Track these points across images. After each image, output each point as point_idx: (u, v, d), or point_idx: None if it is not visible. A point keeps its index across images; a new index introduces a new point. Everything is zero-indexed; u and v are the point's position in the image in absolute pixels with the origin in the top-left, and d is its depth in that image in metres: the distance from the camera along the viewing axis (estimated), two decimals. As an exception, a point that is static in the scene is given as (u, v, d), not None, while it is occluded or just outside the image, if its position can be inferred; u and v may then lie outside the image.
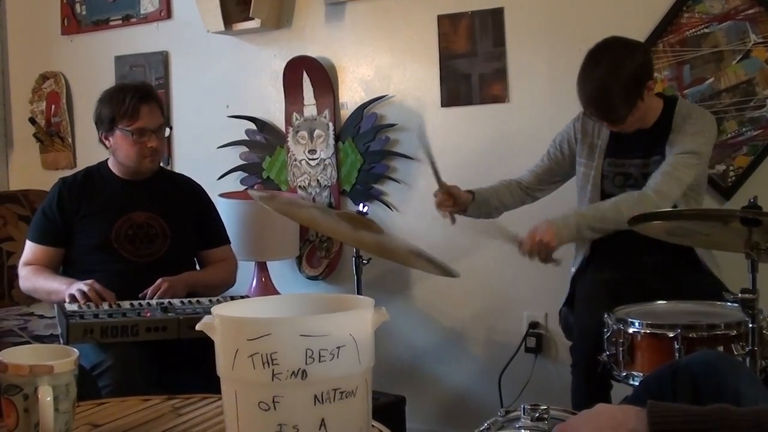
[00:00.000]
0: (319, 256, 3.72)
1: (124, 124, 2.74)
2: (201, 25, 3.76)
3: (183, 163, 3.99)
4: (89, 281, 2.58)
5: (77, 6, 4.30)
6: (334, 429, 1.26)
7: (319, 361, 1.24)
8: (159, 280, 2.65)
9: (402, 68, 3.50)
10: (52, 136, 4.37)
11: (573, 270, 2.79)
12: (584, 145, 2.75)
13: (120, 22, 4.17)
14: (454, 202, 2.74)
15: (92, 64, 4.26)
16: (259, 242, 3.49)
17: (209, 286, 2.83)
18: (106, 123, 2.78)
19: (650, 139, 2.63)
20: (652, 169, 2.60)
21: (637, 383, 2.09)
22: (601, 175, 2.70)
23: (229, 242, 3.04)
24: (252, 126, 3.83)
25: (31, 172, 4.42)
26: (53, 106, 4.38)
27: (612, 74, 2.47)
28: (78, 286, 2.57)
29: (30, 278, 2.77)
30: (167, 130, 2.90)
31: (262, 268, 3.60)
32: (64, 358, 1.46)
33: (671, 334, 2.10)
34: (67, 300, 2.56)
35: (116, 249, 2.75)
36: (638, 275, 2.63)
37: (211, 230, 2.99)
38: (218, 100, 3.91)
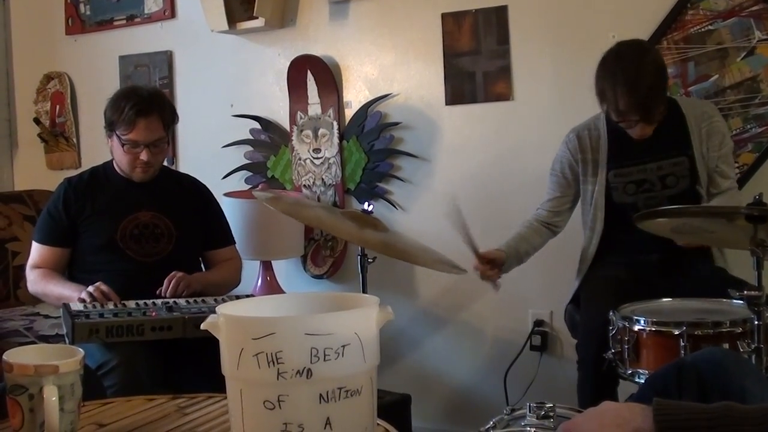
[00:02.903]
0: (324, 255, 3.72)
1: (120, 132, 2.74)
2: (205, 24, 3.76)
3: (187, 163, 3.99)
4: (96, 284, 2.59)
5: (81, 6, 4.30)
6: (340, 428, 1.26)
7: (324, 359, 1.24)
8: (174, 273, 2.65)
9: (406, 67, 3.50)
10: (57, 136, 4.37)
11: (580, 269, 2.79)
12: (586, 163, 2.72)
13: (124, 21, 4.17)
14: (494, 266, 2.65)
15: (96, 64, 4.26)
16: (264, 241, 3.49)
17: (216, 287, 2.83)
18: (107, 125, 2.79)
19: (663, 140, 2.61)
20: (670, 171, 2.60)
21: (642, 381, 2.08)
22: (608, 187, 2.68)
23: (234, 242, 3.05)
24: (256, 125, 3.83)
25: (35, 173, 4.42)
26: (58, 106, 4.38)
27: (641, 70, 2.46)
28: (86, 292, 2.58)
29: (39, 282, 2.77)
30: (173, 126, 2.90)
31: (266, 267, 3.60)
32: (69, 358, 1.45)
33: (677, 332, 2.10)
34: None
35: (122, 248, 2.75)
36: (643, 273, 2.63)
37: (217, 230, 2.99)
38: (222, 100, 3.92)
